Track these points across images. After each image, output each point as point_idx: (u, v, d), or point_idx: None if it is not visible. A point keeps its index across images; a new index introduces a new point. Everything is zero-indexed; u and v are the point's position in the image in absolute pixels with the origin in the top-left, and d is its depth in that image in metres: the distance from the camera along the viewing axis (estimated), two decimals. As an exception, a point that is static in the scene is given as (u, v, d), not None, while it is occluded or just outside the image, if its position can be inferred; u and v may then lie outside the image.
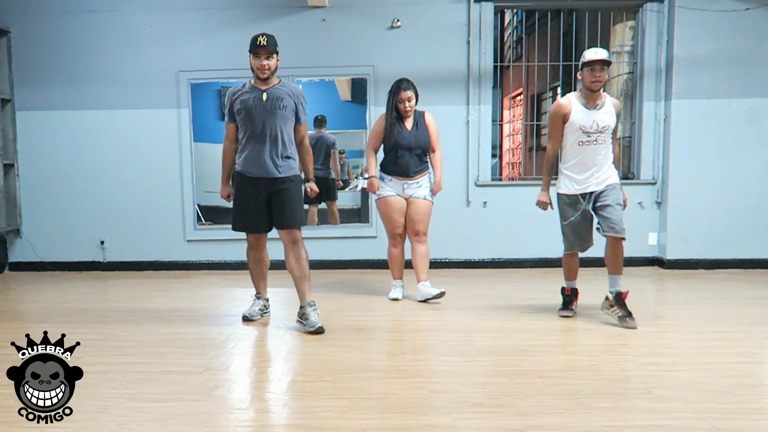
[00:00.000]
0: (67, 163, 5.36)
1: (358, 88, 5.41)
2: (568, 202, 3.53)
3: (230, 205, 3.60)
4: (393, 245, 4.17)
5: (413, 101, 3.99)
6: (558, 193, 3.59)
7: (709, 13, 4.99)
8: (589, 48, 3.54)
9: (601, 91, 3.43)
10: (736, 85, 5.08)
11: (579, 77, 3.44)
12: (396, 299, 4.16)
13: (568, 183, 3.52)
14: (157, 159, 5.34)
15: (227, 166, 3.55)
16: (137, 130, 5.32)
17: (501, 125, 8.57)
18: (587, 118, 3.39)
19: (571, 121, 3.42)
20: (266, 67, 3.28)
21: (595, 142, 3.41)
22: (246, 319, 3.64)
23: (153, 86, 5.26)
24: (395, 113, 4.01)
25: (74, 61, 5.26)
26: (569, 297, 3.70)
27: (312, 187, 3.61)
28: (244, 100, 3.36)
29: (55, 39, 5.25)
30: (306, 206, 4.93)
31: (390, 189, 4.07)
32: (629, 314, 3.42)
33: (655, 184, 5.31)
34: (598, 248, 3.62)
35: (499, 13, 5.65)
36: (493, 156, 5.58)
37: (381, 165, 4.13)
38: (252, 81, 3.40)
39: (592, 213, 3.53)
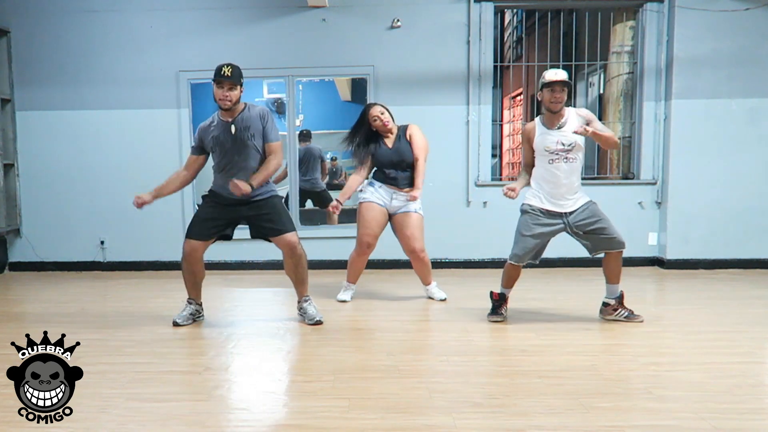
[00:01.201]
0: (67, 163, 5.36)
1: (358, 88, 5.41)
2: (533, 215, 3.47)
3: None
4: (358, 254, 4.02)
5: (386, 114, 3.92)
6: (524, 203, 3.53)
7: (709, 13, 4.99)
8: (558, 68, 3.47)
9: (563, 109, 3.39)
10: (736, 85, 5.08)
11: (539, 98, 3.43)
12: (344, 301, 4.13)
13: (539, 194, 3.47)
14: (157, 159, 5.32)
15: (167, 185, 3.49)
16: (137, 130, 5.32)
17: (501, 125, 8.56)
18: (549, 139, 3.39)
19: (536, 145, 3.44)
20: (228, 97, 3.29)
21: (565, 160, 3.38)
22: (176, 324, 3.53)
23: (153, 86, 5.26)
24: (372, 133, 3.94)
25: (74, 61, 5.26)
26: (497, 302, 3.63)
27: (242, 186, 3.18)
28: (215, 137, 3.39)
29: (55, 39, 5.25)
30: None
31: (377, 197, 3.98)
32: (632, 311, 3.54)
33: (655, 184, 5.31)
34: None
35: (499, 13, 5.65)
36: (493, 156, 5.58)
37: (374, 173, 4.08)
38: (219, 114, 3.41)
39: (572, 237, 3.50)
